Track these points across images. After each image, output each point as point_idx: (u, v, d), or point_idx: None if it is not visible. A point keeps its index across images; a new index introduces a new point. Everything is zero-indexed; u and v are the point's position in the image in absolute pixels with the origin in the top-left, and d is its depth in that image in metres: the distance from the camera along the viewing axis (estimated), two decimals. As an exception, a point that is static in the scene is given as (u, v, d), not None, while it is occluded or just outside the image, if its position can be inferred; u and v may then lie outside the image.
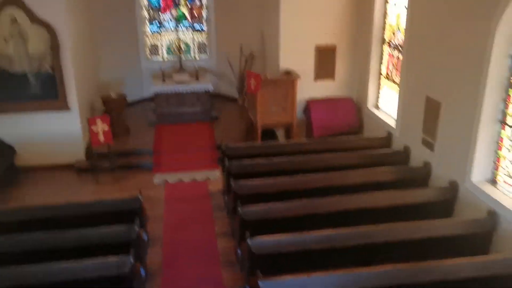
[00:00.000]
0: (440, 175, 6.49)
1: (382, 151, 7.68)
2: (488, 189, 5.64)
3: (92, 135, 8.33)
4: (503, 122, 5.52)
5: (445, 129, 6.37)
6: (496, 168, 5.70)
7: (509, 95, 5.42)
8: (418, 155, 7.07)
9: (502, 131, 5.55)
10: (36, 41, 8.28)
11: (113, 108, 10.02)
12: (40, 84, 8.54)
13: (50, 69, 8.48)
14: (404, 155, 7.39)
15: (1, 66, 8.32)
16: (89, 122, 8.33)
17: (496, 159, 5.68)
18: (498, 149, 5.63)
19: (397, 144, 7.78)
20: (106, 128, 8.40)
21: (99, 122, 8.35)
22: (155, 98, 10.94)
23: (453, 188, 6.09)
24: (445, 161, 6.38)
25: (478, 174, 5.77)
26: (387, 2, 8.39)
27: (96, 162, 8.64)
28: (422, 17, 6.87)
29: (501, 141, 5.58)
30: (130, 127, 10.44)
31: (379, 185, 6.42)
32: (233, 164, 6.99)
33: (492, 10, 5.24)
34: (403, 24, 7.73)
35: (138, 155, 9.45)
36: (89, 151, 9.04)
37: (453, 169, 6.16)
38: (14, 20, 8.11)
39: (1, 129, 8.68)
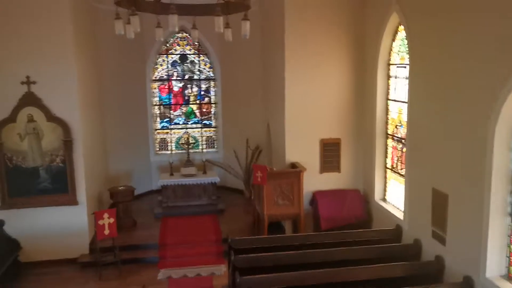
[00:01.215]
0: (454, 270, 6.25)
1: (392, 245, 7.49)
2: (504, 285, 5.40)
3: (98, 228, 8.29)
4: (512, 215, 5.45)
5: (454, 222, 6.27)
6: (510, 263, 5.51)
7: (515, 188, 5.42)
8: (430, 249, 6.88)
9: (512, 224, 5.46)
10: (50, 137, 8.61)
11: (120, 201, 10.08)
12: (50, 178, 8.71)
13: (61, 163, 8.70)
14: (415, 249, 7.19)
15: (15, 162, 8.57)
16: (96, 216, 8.34)
17: (510, 253, 5.50)
18: (510, 243, 5.49)
19: (407, 237, 7.62)
20: (112, 221, 8.38)
21: (106, 215, 8.36)
22: (162, 190, 11.05)
23: (468, 284, 5.84)
24: (458, 255, 6.19)
25: (492, 269, 5.56)
26: (388, 98, 8.75)
27: (100, 256, 8.49)
28: (423, 111, 7.11)
29: (513, 235, 5.46)
30: (137, 219, 10.40)
31: (389, 282, 6.18)
32: (239, 258, 6.82)
33: (490, 105, 5.43)
34: (405, 118, 7.98)
35: (144, 249, 9.29)
36: (93, 245, 8.93)
37: (466, 264, 5.96)
38: (30, 118, 8.51)
39: (8, 223, 8.67)
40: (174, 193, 11.05)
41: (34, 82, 8.43)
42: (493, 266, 5.56)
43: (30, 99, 8.46)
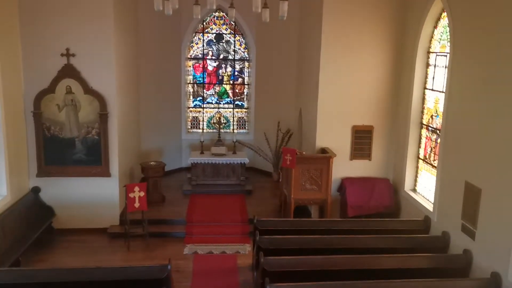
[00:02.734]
0: (482, 266, 6.13)
1: (419, 236, 7.39)
2: (535, 285, 5.26)
3: (129, 201, 8.52)
4: (548, 214, 5.27)
5: (486, 216, 6.12)
6: (542, 262, 5.35)
7: (553, 186, 5.22)
8: (458, 243, 6.76)
9: (548, 223, 5.28)
10: (87, 110, 8.84)
11: (151, 176, 10.30)
12: (85, 150, 8.97)
13: (96, 136, 8.94)
14: (442, 242, 7.08)
15: (53, 131, 8.86)
16: (127, 188, 8.56)
17: (543, 252, 5.35)
18: (544, 242, 5.32)
19: (435, 229, 7.49)
20: (142, 194, 8.59)
21: (136, 189, 8.57)
22: (192, 168, 11.21)
23: (495, 281, 5.72)
24: (487, 250, 6.05)
25: (523, 267, 5.42)
26: (426, 87, 8.52)
27: (129, 228, 8.74)
28: (462, 102, 6.90)
29: (547, 234, 5.29)
30: (166, 195, 10.61)
31: (414, 273, 6.11)
32: (264, 239, 6.89)
33: (531, 99, 5.22)
34: (441, 109, 7.77)
35: (171, 224, 9.50)
36: (123, 217, 9.19)
37: (495, 260, 5.82)
38: (69, 90, 8.74)
39: (43, 191, 9.03)
40: (203, 172, 11.20)
41: (73, 55, 8.63)
42: (524, 264, 5.42)
43: (69, 71, 8.68)
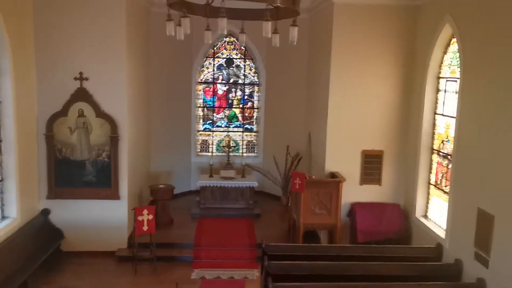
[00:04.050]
0: (496, 295, 5.97)
1: (432, 263, 7.24)
2: (552, 316, 5.09)
3: (137, 224, 8.50)
4: None
5: (500, 244, 5.99)
6: (559, 292, 5.20)
7: None
8: (471, 271, 6.60)
9: None
10: (98, 132, 8.93)
11: (159, 198, 10.30)
12: (95, 172, 9.02)
13: (107, 158, 9.00)
14: (455, 270, 6.93)
15: (64, 153, 8.94)
16: (136, 211, 8.55)
17: (559, 282, 5.20)
18: (561, 272, 5.18)
19: (448, 257, 7.34)
20: (151, 217, 8.57)
21: (145, 212, 8.56)
22: (201, 191, 11.20)
23: (511, 312, 5.56)
24: (501, 279, 5.90)
25: (539, 298, 5.27)
26: (436, 112, 8.50)
27: (137, 251, 8.69)
28: (473, 127, 6.85)
29: None
30: (174, 218, 10.58)
31: (427, 301, 5.97)
32: (272, 264, 6.80)
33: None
34: (452, 134, 7.72)
35: (179, 247, 9.44)
36: (131, 240, 9.15)
37: (510, 289, 5.67)
38: (81, 113, 8.86)
39: (53, 212, 9.05)
40: (212, 195, 11.18)
41: (86, 79, 8.78)
42: (540, 294, 5.27)
43: (81, 95, 8.81)
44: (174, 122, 12.21)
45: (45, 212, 9.02)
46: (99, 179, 9.05)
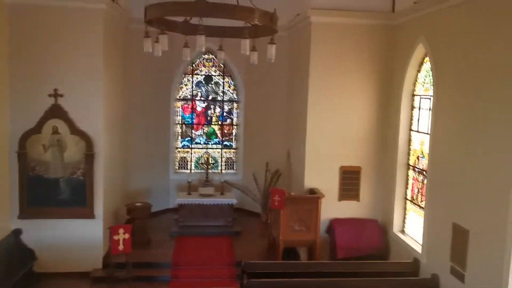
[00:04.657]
0: (473, 310, 6.03)
1: (409, 278, 7.29)
2: (527, 329, 5.16)
3: (113, 243, 8.31)
4: (537, 255, 5.26)
5: (475, 259, 6.08)
6: (534, 305, 5.29)
7: (540, 227, 5.24)
8: (448, 285, 6.67)
9: (537, 264, 5.26)
10: (73, 150, 8.76)
11: (136, 217, 10.12)
12: (69, 190, 8.82)
13: (82, 176, 8.82)
14: (432, 284, 6.98)
15: (38, 171, 8.72)
16: (112, 230, 8.37)
17: (533, 295, 5.29)
18: (534, 285, 5.28)
19: (425, 272, 7.40)
20: (127, 237, 8.40)
21: (121, 231, 8.38)
22: (179, 209, 11.06)
23: (488, 326, 5.61)
24: (478, 294, 5.97)
25: (514, 311, 5.34)
26: (411, 129, 8.66)
27: (112, 271, 8.47)
28: (446, 143, 7.00)
29: (537, 276, 5.25)
30: (152, 237, 10.39)
31: (406, 317, 5.98)
32: (251, 283, 6.73)
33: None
34: (427, 150, 7.87)
35: (156, 267, 9.25)
36: (107, 260, 8.93)
37: (486, 303, 5.74)
38: (55, 130, 8.69)
39: (25, 233, 8.77)
40: (190, 213, 11.04)
41: (61, 95, 8.64)
42: (515, 308, 5.34)
43: (56, 112, 8.65)
44: (153, 139, 12.10)
45: (17, 232, 8.73)
46: (73, 198, 8.84)
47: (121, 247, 8.37)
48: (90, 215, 8.90)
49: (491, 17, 5.90)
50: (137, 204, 10.39)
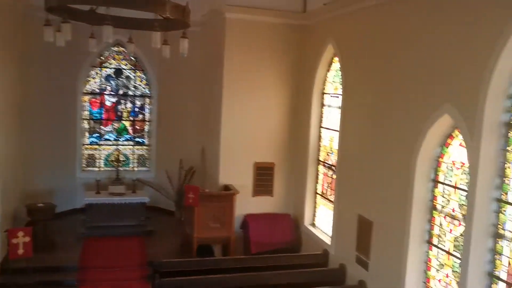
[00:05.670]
0: (376, 296, 6.44)
1: (319, 269, 7.60)
2: (422, 310, 5.63)
3: (11, 247, 7.62)
4: (429, 243, 5.74)
5: (378, 248, 6.49)
6: (427, 288, 5.78)
7: (433, 217, 5.72)
8: (354, 274, 7.05)
9: (430, 251, 5.74)
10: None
11: (39, 219, 9.40)
12: (-41, 191, 7.96)
13: (-26, 176, 8.00)
14: (340, 274, 7.34)
15: None
16: (9, 234, 7.67)
17: (426, 279, 5.77)
18: (427, 269, 5.76)
19: (333, 262, 7.77)
20: (28, 240, 7.76)
21: (20, 234, 7.71)
22: (87, 209, 10.47)
23: (388, 310, 6.02)
24: (380, 280, 6.39)
25: (411, 294, 5.79)
26: (322, 126, 9.01)
27: (11, 278, 7.80)
28: (352, 140, 7.39)
29: (429, 261, 5.74)
30: (57, 239, 9.72)
31: (315, 306, 6.22)
32: (163, 282, 6.57)
33: (414, 139, 5.74)
34: (336, 146, 8.24)
35: (62, 271, 8.67)
36: (5, 265, 8.20)
37: (387, 289, 6.16)
38: None
39: None
40: (99, 213, 10.48)
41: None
42: (412, 291, 5.79)
43: None
44: (58, 136, 11.28)
45: None
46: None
47: (20, 251, 7.70)
48: (-17, 218, 8.11)
49: (394, 21, 6.32)
50: (39, 205, 9.64)
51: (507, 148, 4.66)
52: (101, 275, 8.63)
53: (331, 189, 8.59)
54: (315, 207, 9.23)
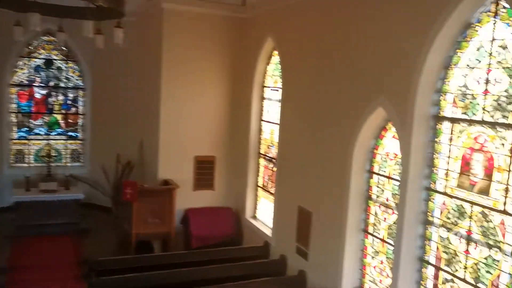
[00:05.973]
0: (316, 284, 6.61)
1: (260, 261, 7.67)
2: (359, 296, 5.85)
3: None
4: (365, 231, 5.97)
5: (317, 238, 6.66)
6: (363, 275, 6.00)
7: (369, 206, 5.95)
8: (294, 264, 7.19)
9: (365, 239, 5.98)
10: None
11: (-40, 220, 8.72)
12: None
13: None
14: (280, 265, 7.45)
15: None
16: None
17: (362, 266, 6.01)
18: (363, 257, 5.99)
19: (274, 254, 7.87)
20: None
21: None
22: (16, 207, 9.85)
23: (327, 298, 6.20)
24: (319, 269, 6.56)
25: (348, 282, 6.00)
26: (262, 119, 9.07)
27: None
28: (292, 133, 7.50)
29: (365, 249, 5.97)
30: (-19, 241, 9.09)
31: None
32: (100, 281, 6.34)
33: (350, 131, 5.92)
34: (276, 139, 8.33)
35: (-13, 275, 8.12)
36: None
37: (326, 277, 6.34)
38: None
39: None
40: (29, 211, 9.89)
41: None
42: (349, 278, 6.00)
43: None
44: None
45: None
46: None
47: None
48: None
49: (330, 15, 6.47)
50: (-40, 205, 8.95)
51: (435, 139, 4.92)
52: (33, 276, 8.17)
53: (272, 181, 8.68)
54: (256, 199, 9.29)
